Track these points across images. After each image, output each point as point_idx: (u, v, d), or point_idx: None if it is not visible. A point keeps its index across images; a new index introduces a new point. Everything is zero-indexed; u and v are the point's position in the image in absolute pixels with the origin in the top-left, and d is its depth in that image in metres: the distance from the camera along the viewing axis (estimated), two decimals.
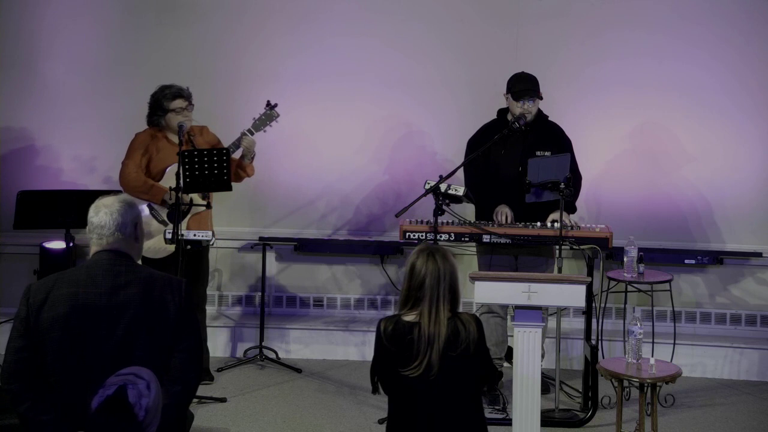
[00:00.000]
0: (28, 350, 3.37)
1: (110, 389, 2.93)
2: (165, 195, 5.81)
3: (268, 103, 5.98)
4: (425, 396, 3.66)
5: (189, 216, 5.85)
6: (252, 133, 5.93)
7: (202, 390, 5.93)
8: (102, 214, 3.47)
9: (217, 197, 6.15)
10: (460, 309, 3.78)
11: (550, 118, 5.97)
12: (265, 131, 5.98)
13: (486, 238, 5.63)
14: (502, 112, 5.97)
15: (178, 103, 5.89)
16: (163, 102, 5.93)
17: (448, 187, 5.48)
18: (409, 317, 3.72)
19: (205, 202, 5.91)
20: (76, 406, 3.30)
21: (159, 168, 5.93)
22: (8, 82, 6.97)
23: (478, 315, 5.80)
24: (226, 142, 5.97)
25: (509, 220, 5.73)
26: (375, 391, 3.80)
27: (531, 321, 4.60)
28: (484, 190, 5.82)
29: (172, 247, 5.70)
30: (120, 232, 3.47)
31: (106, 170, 6.94)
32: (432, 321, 3.66)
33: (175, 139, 5.92)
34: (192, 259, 5.88)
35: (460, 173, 5.80)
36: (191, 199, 5.78)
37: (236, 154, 5.95)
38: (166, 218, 5.86)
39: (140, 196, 5.84)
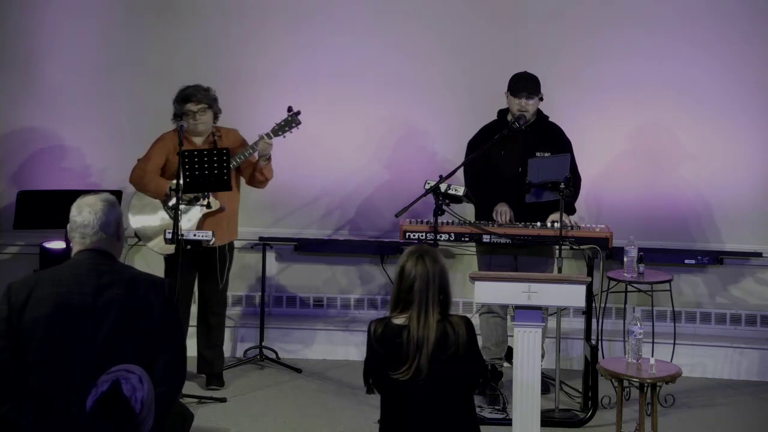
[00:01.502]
0: (9, 351, 3.33)
1: (104, 386, 2.93)
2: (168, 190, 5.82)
3: (290, 109, 5.89)
4: (415, 398, 3.66)
5: (201, 216, 5.83)
6: (270, 137, 5.86)
7: (203, 390, 5.95)
8: (85, 213, 3.44)
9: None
10: (459, 310, 3.78)
11: (550, 119, 5.97)
12: (284, 137, 5.91)
13: (486, 238, 5.63)
14: (503, 113, 5.97)
15: (189, 107, 5.84)
16: (175, 105, 5.91)
17: (448, 187, 5.48)
18: (399, 320, 3.72)
19: (205, 203, 5.88)
20: (59, 407, 3.28)
21: (175, 168, 5.90)
22: (8, 82, 6.97)
23: (478, 315, 5.84)
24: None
25: (509, 219, 5.73)
26: (369, 391, 3.81)
27: (531, 321, 4.60)
28: (484, 191, 5.82)
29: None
30: (103, 231, 3.44)
31: (106, 170, 6.95)
32: (421, 325, 3.66)
33: (197, 141, 5.91)
34: (202, 260, 5.90)
35: (460, 173, 5.80)
36: (209, 203, 5.77)
37: (253, 157, 5.89)
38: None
39: (146, 193, 5.88)
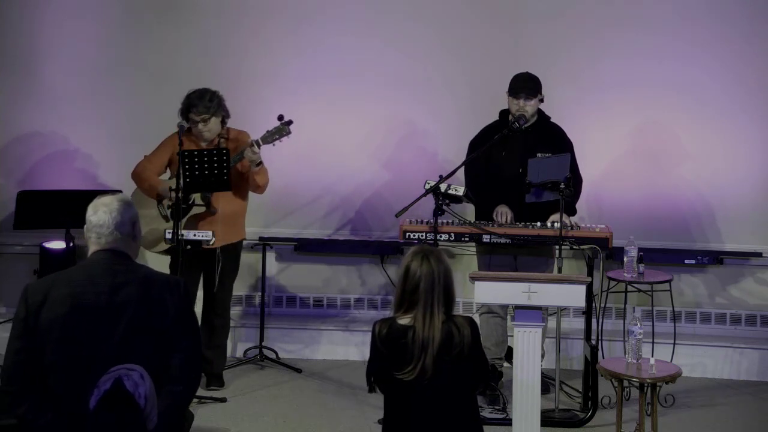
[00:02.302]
0: (26, 352, 3.35)
1: (106, 384, 2.93)
2: (160, 189, 5.81)
3: (281, 118, 5.86)
4: (419, 399, 3.66)
5: (187, 217, 5.83)
6: (259, 145, 5.83)
7: (203, 390, 5.94)
8: (101, 213, 3.45)
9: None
10: (459, 310, 3.78)
11: (551, 119, 5.97)
12: (274, 145, 5.87)
13: (486, 238, 5.63)
14: (504, 113, 5.97)
15: (192, 116, 5.82)
16: (180, 111, 5.89)
17: (448, 187, 5.48)
18: (404, 320, 3.71)
19: (204, 203, 5.88)
20: (75, 407, 3.28)
21: (176, 168, 5.91)
22: (8, 82, 6.97)
23: (478, 315, 5.84)
24: None
25: (509, 220, 5.73)
26: (371, 390, 3.80)
27: (531, 321, 4.60)
28: (485, 191, 5.82)
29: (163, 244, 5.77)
30: (118, 231, 3.45)
31: (106, 170, 6.94)
32: (426, 325, 3.66)
33: (203, 144, 5.90)
34: (202, 261, 5.90)
35: (460, 173, 5.80)
36: (193, 200, 5.77)
37: (244, 163, 5.88)
38: (168, 214, 5.87)
39: (142, 191, 5.90)
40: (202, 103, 5.81)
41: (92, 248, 3.48)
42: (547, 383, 5.83)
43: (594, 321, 5.74)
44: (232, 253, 6.04)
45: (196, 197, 5.79)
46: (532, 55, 6.63)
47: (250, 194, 6.16)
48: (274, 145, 5.88)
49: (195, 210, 5.85)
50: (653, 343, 6.06)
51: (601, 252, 5.57)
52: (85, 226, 3.48)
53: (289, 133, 5.87)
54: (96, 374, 3.20)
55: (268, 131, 5.86)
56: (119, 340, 3.33)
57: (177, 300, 3.43)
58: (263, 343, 6.57)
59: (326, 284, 6.99)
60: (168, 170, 5.98)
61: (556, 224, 5.54)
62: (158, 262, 6.10)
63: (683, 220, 6.78)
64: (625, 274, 5.93)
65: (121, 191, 6.09)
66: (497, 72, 6.24)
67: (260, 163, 5.86)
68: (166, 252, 5.92)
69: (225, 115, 5.93)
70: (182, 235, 5.56)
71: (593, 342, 5.64)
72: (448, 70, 6.84)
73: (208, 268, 5.97)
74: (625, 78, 6.72)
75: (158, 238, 5.87)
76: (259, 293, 6.75)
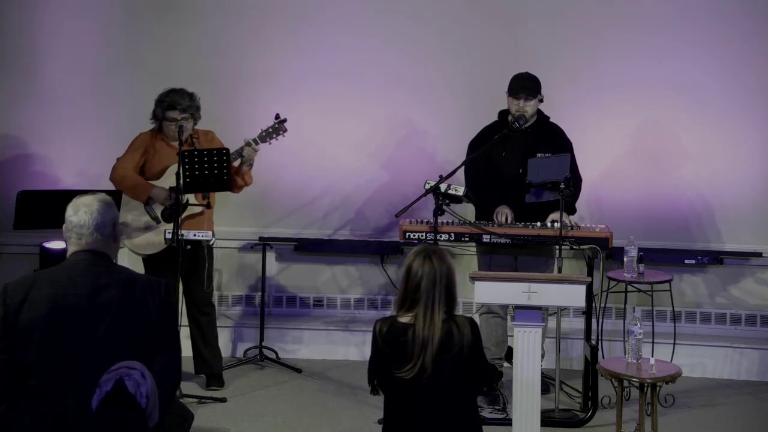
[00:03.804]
0: (5, 352, 3.32)
1: (108, 385, 2.93)
2: (153, 192, 5.80)
3: (277, 117, 5.89)
4: (419, 397, 3.66)
5: (182, 216, 5.82)
6: (256, 143, 5.87)
7: (203, 390, 5.95)
8: (81, 213, 3.44)
9: (217, 197, 6.14)
10: (459, 310, 3.78)
11: (550, 119, 5.97)
12: (270, 143, 5.92)
13: (486, 238, 5.63)
14: (503, 114, 5.97)
15: (172, 115, 5.83)
16: (157, 108, 5.90)
17: (448, 187, 5.48)
18: (405, 319, 3.72)
19: (205, 203, 5.90)
20: (56, 408, 3.27)
21: (157, 168, 5.91)
22: (8, 82, 6.97)
23: (478, 315, 5.84)
24: (230, 148, 5.93)
25: (509, 221, 5.73)
26: (374, 392, 3.80)
27: (531, 321, 4.60)
28: (485, 191, 5.82)
29: (159, 244, 5.75)
30: (99, 232, 3.44)
31: (106, 171, 6.93)
32: (426, 324, 3.66)
33: (175, 144, 5.90)
34: (188, 259, 5.87)
35: (460, 173, 5.80)
36: (187, 200, 5.77)
37: (236, 162, 5.89)
38: (159, 215, 5.87)
39: (126, 193, 5.85)
40: (184, 101, 5.84)
41: (72, 248, 3.46)
42: (547, 383, 5.83)
43: (594, 321, 5.74)
44: (210, 250, 6.05)
45: (190, 197, 5.79)
46: (532, 55, 6.63)
47: (250, 194, 6.16)
48: (270, 143, 5.90)
49: (189, 210, 5.84)
50: (653, 343, 6.06)
51: (601, 252, 5.57)
52: (64, 226, 3.47)
53: (285, 131, 5.90)
54: (77, 375, 3.20)
55: (264, 130, 5.89)
56: (100, 342, 3.32)
57: (158, 302, 3.42)
58: (263, 343, 6.57)
59: (326, 284, 6.99)
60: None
61: (556, 224, 5.54)
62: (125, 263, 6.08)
63: (683, 220, 6.78)
64: (625, 274, 5.93)
65: (120, 192, 6.10)
66: (497, 72, 6.24)
67: (252, 163, 5.89)
68: (147, 255, 5.91)
69: (198, 118, 5.95)
70: (182, 235, 5.56)
71: (593, 342, 5.64)
72: (448, 70, 6.84)
73: (187, 268, 5.89)
74: (625, 78, 6.72)
75: (147, 239, 5.86)
76: (259, 293, 6.75)
